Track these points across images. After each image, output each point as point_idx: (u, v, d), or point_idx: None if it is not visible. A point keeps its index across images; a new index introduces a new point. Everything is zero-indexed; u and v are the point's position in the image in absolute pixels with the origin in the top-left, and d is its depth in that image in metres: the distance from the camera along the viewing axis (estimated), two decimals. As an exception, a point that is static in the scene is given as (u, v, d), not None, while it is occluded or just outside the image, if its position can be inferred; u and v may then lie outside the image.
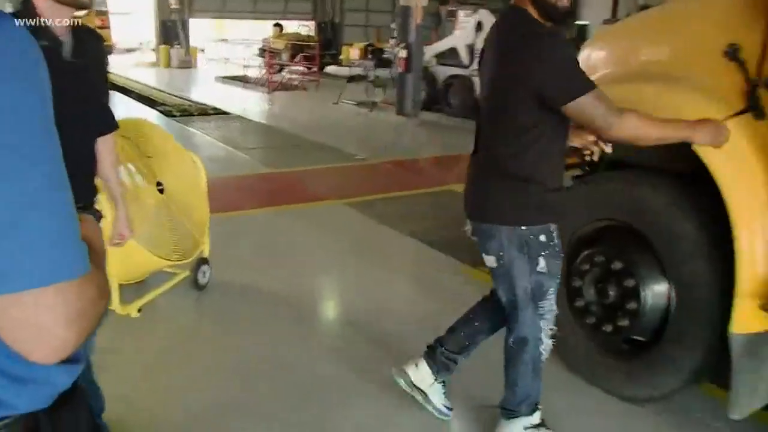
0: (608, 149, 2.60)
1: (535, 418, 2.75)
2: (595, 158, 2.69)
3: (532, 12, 2.36)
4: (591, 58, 3.61)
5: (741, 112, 2.67)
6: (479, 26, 12.95)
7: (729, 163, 2.61)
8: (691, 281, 2.85)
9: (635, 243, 3.05)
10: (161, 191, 4.03)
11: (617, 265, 3.09)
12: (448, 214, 6.25)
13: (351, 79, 17.74)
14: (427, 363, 2.97)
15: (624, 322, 3.06)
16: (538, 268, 2.51)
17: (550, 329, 2.64)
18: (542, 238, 2.48)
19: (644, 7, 8.42)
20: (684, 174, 2.95)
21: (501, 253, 2.53)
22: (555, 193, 2.50)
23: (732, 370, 2.63)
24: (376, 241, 5.74)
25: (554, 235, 2.52)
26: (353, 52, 22.24)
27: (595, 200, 3.28)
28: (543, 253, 2.49)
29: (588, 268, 3.23)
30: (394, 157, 9.57)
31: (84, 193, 2.38)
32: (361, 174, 8.55)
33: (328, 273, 5.06)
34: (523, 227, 2.46)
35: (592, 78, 3.03)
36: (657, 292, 2.97)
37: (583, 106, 2.25)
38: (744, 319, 2.59)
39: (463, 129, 10.70)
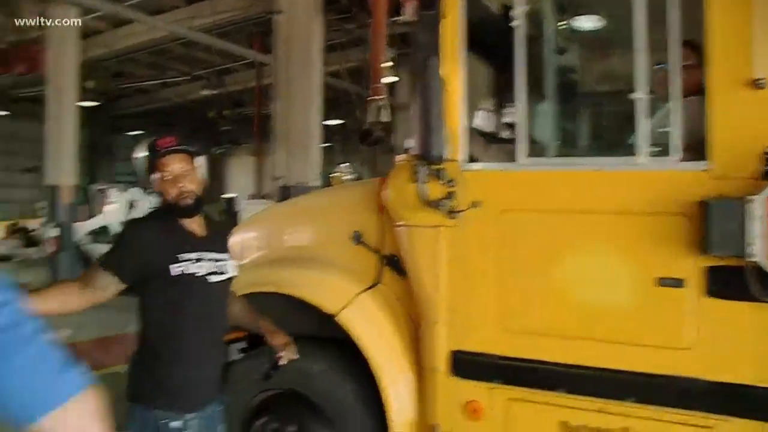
0: (295, 356, 2.93)
1: None
2: (284, 362, 2.96)
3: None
4: (245, 240, 4.06)
5: (371, 286, 3.28)
6: (132, 204, 13.05)
7: (369, 329, 3.16)
8: (357, 434, 3.25)
9: (305, 407, 3.38)
10: None
11: (291, 429, 3.37)
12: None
13: (-3, 258, 16.30)
14: None
15: (305, 480, 3.32)
16: None
17: None
18: (175, 424, 2.48)
19: (285, 188, 9.40)
20: (338, 340, 3.42)
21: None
22: (187, 378, 2.55)
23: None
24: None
25: (192, 423, 2.52)
26: (-3, 231, 20.52)
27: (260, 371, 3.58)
28: None
29: (264, 436, 3.47)
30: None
31: None
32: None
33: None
34: (155, 410, 2.47)
35: (247, 259, 3.50)
36: (329, 449, 3.30)
37: None
38: (403, 460, 3.05)
39: (122, 307, 10.41)
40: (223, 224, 3.11)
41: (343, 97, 17.46)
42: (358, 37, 15.49)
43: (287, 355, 2.95)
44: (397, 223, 3.09)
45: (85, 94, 13.92)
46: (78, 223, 13.59)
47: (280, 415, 3.47)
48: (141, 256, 2.52)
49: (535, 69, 3.13)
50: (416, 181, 2.88)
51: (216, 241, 2.74)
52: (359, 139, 13.31)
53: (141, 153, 2.69)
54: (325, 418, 3.34)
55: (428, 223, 2.96)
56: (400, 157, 3.12)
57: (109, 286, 2.49)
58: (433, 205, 2.87)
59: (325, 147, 10.60)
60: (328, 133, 11.05)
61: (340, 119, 21.03)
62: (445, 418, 3.02)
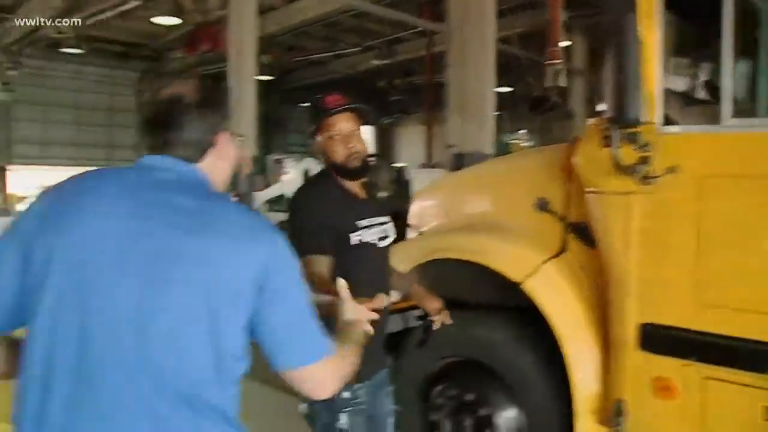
0: (449, 321, 3.00)
1: None
2: (437, 327, 3.03)
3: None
4: (423, 208, 4.10)
5: (557, 255, 3.19)
6: (307, 174, 13.59)
7: (554, 299, 3.08)
8: (537, 406, 3.20)
9: (485, 375, 3.38)
10: None
11: (470, 397, 3.38)
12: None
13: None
14: None
15: (482, 450, 3.33)
16: (339, 425, 2.48)
17: None
18: (345, 394, 2.45)
19: (459, 156, 9.35)
20: (519, 308, 3.37)
21: (311, 403, 2.51)
22: None
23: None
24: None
25: (360, 392, 2.51)
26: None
27: (442, 340, 3.60)
28: (345, 410, 2.47)
29: (443, 402, 3.50)
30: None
31: None
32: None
33: None
34: None
35: (426, 227, 3.52)
36: (509, 418, 3.29)
37: None
38: (585, 435, 2.97)
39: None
40: (373, 185, 3.03)
41: (513, 63, 17.11)
42: (527, 2, 15.09)
43: (440, 319, 2.97)
44: (587, 190, 2.97)
45: (261, 69, 14.56)
46: (256, 193, 14.35)
47: (460, 382, 3.49)
48: (325, 221, 2.46)
49: (740, 22, 2.86)
50: (609, 146, 2.74)
51: (376, 203, 2.72)
52: (530, 106, 13.06)
53: None
54: (505, 388, 3.32)
55: (621, 189, 2.81)
56: (591, 121, 2.98)
57: (322, 266, 2.38)
58: (627, 170, 2.72)
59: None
60: (497, 100, 10.85)
61: (509, 86, 20.64)
62: (632, 394, 2.89)
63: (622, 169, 2.72)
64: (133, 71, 27.22)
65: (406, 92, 25.17)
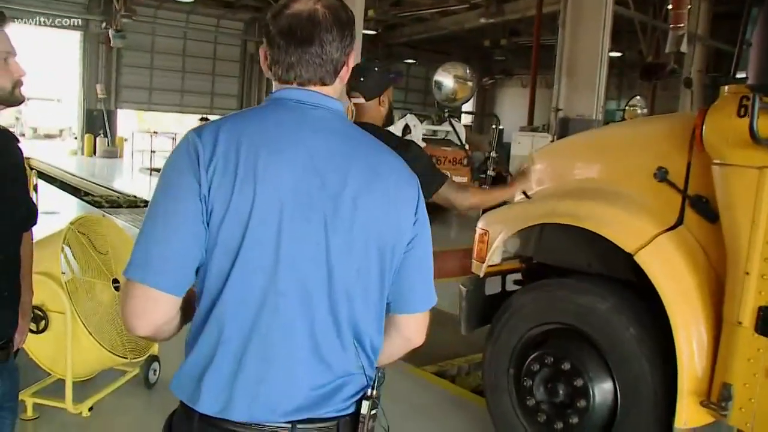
0: None
1: None
2: None
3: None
4: (533, 172, 3.98)
5: (672, 227, 3.05)
6: (406, 129, 13.55)
7: (667, 273, 2.94)
8: (635, 381, 3.10)
9: (582, 344, 3.30)
10: (117, 288, 4.06)
11: (566, 366, 3.30)
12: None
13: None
14: None
15: (574, 420, 3.25)
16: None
17: None
18: None
19: (564, 120, 9.09)
20: (626, 281, 3.26)
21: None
22: None
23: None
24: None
25: None
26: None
27: (542, 305, 3.54)
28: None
29: (538, 368, 3.43)
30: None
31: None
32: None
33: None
34: None
35: (536, 191, 3.44)
36: (604, 390, 3.20)
37: (445, 192, 3.07)
38: (687, 415, 2.86)
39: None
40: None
41: (626, 27, 16.38)
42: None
43: None
44: (713, 161, 2.80)
45: (365, 24, 14.47)
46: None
47: (557, 349, 3.41)
48: None
49: None
50: (744, 115, 2.56)
51: None
52: (642, 73, 12.44)
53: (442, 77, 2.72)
54: (602, 359, 3.23)
55: (753, 162, 2.63)
56: (726, 89, 2.79)
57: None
58: (764, 142, 2.55)
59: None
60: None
61: (619, 51, 19.83)
62: (742, 379, 2.75)
63: (758, 141, 2.55)
64: (238, 21, 27.74)
65: (510, 52, 24.63)
